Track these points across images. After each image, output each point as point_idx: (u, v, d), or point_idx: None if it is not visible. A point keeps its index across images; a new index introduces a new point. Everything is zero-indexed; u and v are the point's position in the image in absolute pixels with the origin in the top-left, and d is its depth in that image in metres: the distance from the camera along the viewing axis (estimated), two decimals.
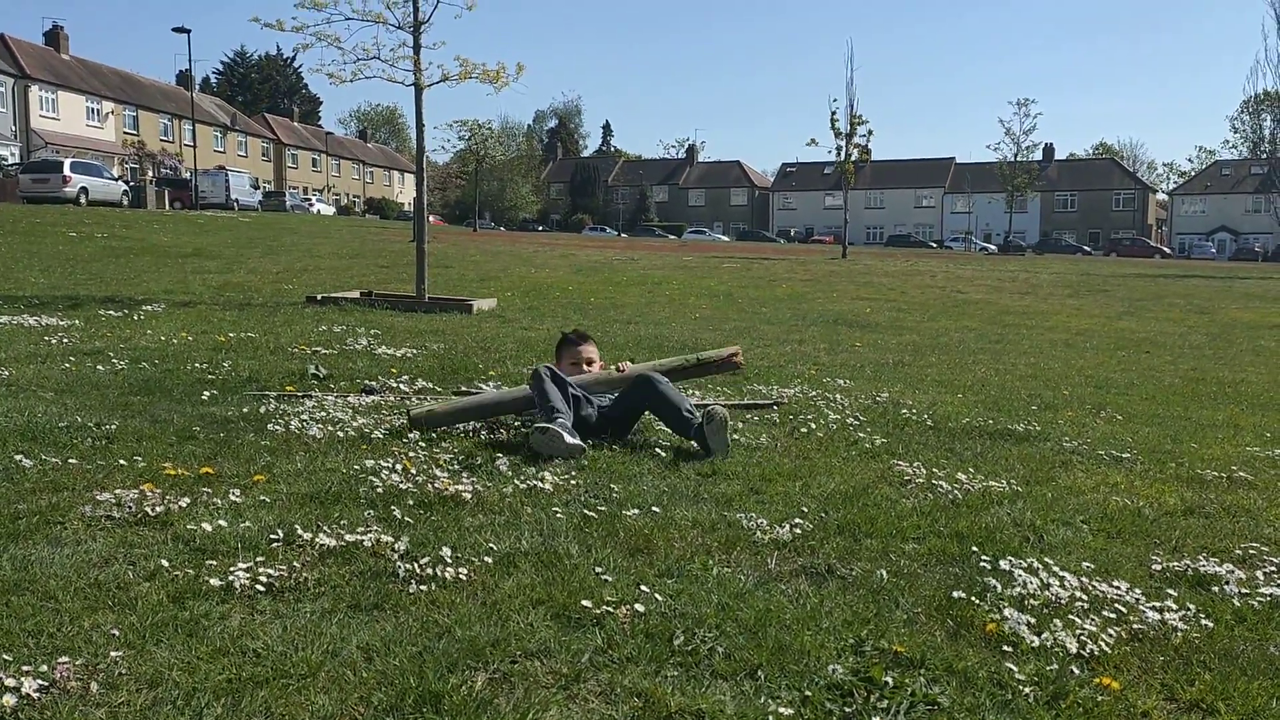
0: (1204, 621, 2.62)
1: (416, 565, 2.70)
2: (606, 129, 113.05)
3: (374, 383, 5.77)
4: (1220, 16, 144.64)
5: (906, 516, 3.51)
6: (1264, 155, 52.83)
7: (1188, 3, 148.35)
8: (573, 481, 3.76)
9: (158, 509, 3.12)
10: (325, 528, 2.99)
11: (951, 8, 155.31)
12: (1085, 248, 70.45)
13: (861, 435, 4.96)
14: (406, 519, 3.15)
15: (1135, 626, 2.57)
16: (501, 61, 11.05)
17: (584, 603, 2.48)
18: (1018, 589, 2.77)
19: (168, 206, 39.75)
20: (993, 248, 66.36)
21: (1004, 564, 2.94)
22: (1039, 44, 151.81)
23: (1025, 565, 2.95)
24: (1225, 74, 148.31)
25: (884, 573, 2.84)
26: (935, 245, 69.54)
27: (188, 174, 48.10)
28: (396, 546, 2.86)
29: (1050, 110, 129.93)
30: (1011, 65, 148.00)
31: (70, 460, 3.69)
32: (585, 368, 5.01)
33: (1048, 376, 8.03)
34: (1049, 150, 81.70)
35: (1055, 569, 2.94)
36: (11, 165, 42.04)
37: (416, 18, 10.78)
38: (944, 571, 2.94)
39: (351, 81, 10.90)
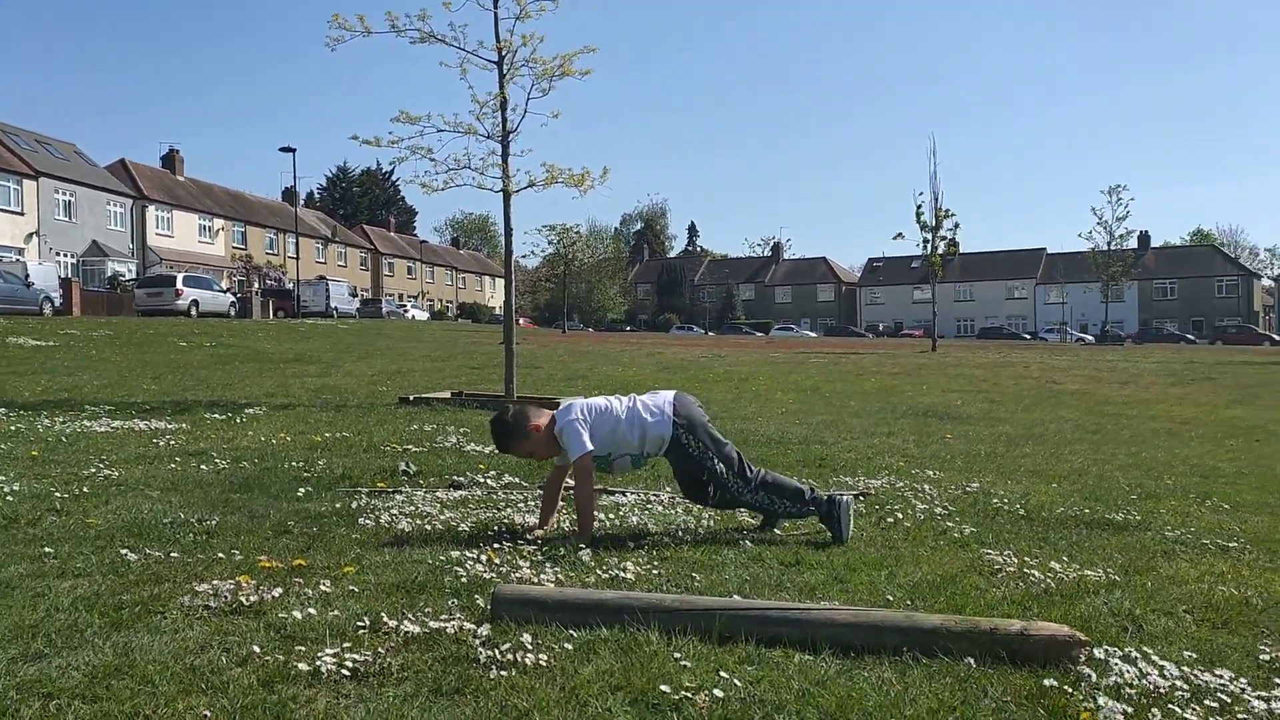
0: None
1: (498, 651, 2.72)
2: (692, 229, 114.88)
3: (462, 478, 5.88)
4: None
5: (996, 605, 3.42)
6: None
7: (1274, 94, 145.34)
8: (655, 571, 3.77)
9: (252, 599, 3.22)
10: (410, 615, 3.04)
11: (1033, 104, 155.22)
12: (1189, 336, 68.34)
13: (950, 525, 4.86)
14: (489, 607, 3.18)
15: (1240, 717, 2.45)
16: (586, 166, 11.41)
17: (663, 688, 2.47)
18: (1114, 678, 2.67)
19: (271, 316, 41.50)
20: (1089, 338, 64.84)
21: (1099, 652, 2.84)
22: (1126, 137, 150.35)
23: (1122, 654, 2.84)
24: None
25: (972, 660, 2.77)
26: (1029, 337, 68.28)
27: (290, 284, 50.23)
28: (479, 633, 2.89)
29: (1141, 197, 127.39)
30: (1100, 157, 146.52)
31: (172, 554, 3.84)
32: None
33: (1149, 466, 7.76)
34: (1144, 238, 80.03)
35: (1154, 658, 2.82)
36: (129, 281, 44.47)
37: (505, 128, 11.24)
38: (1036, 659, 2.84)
39: (444, 189, 11.36)
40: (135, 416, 8.79)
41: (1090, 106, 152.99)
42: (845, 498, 4.48)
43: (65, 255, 46.10)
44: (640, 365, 19.71)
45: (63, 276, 37.92)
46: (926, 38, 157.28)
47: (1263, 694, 2.58)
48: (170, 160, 59.49)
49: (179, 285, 36.08)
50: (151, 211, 53.11)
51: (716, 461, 4.44)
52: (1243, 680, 2.70)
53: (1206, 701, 2.53)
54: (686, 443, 4.43)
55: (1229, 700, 2.54)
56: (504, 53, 11.18)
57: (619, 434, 4.41)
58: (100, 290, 42.35)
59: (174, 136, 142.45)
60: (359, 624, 2.98)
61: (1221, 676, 2.71)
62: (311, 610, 3.09)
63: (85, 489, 5.21)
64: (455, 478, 5.89)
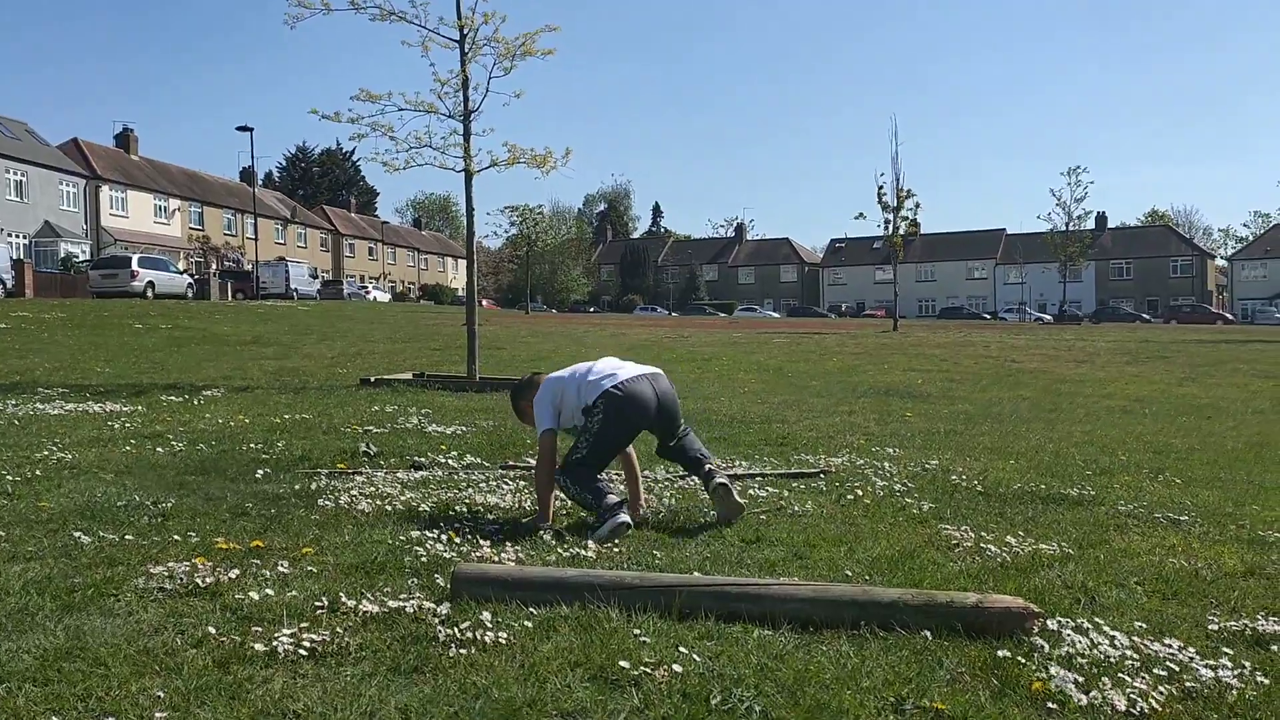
0: (1260, 679, 2.54)
1: (457, 629, 2.72)
2: (656, 210, 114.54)
3: (423, 459, 5.85)
4: (1267, 94, 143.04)
5: (953, 579, 3.46)
6: None
7: (1232, 83, 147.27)
8: (616, 549, 3.77)
9: (208, 580, 3.18)
10: (369, 595, 3.03)
11: (993, 88, 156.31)
12: (1144, 315, 69.31)
13: (909, 501, 4.91)
14: (449, 586, 3.17)
15: (1188, 684, 2.50)
16: (549, 146, 11.34)
17: (622, 664, 2.48)
18: (1066, 648, 2.72)
19: (230, 297, 40.88)
20: (1048, 317, 65.60)
21: (1052, 624, 2.89)
22: (1085, 119, 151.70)
23: (1074, 625, 2.89)
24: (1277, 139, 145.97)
25: (928, 633, 2.80)
26: (989, 316, 68.94)
27: (249, 266, 49.56)
28: (438, 612, 2.88)
29: (1099, 178, 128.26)
30: (1059, 139, 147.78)
31: (127, 537, 3.79)
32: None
33: (1104, 443, 7.88)
34: (1101, 219, 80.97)
35: (1105, 628, 2.88)
36: (82, 262, 43.64)
37: (466, 107, 11.13)
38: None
39: (404, 169, 11.24)
40: (89, 399, 8.64)
41: (1051, 90, 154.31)
42: (622, 519, 4.00)
43: (17, 236, 45.11)
44: (604, 346, 19.68)
45: (14, 258, 37.11)
46: (892, 24, 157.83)
47: (1210, 663, 2.64)
48: (124, 140, 58.22)
49: (134, 266, 35.41)
50: (105, 192, 52.07)
51: (581, 451, 4.25)
52: (1191, 650, 2.76)
53: (1155, 670, 2.58)
54: (592, 414, 4.27)
55: (1177, 669, 2.60)
56: (465, 30, 11.07)
57: (580, 411, 4.39)
58: (53, 272, 41.50)
59: (128, 116, 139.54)
60: (317, 604, 2.96)
61: (1170, 646, 2.77)
62: (269, 591, 3.06)
63: (37, 472, 5.12)
64: (416, 458, 5.85)
